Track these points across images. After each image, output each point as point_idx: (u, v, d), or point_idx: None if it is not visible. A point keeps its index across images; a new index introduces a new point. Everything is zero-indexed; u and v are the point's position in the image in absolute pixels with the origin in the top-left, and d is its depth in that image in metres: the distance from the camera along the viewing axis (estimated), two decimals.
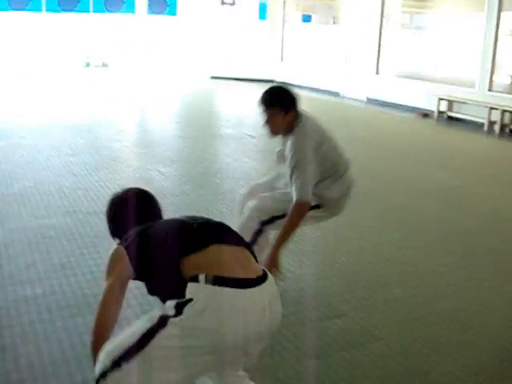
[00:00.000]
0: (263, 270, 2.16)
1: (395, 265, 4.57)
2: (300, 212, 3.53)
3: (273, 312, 2.09)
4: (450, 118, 12.49)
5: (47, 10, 21.11)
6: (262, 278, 2.09)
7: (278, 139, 3.86)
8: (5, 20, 20.52)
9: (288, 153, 3.61)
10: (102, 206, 5.53)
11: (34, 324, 3.40)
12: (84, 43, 21.73)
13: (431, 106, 12.76)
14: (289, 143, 3.63)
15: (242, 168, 7.56)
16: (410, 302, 3.94)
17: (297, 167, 3.52)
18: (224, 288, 1.96)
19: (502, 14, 11.63)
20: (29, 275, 4.01)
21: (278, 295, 2.18)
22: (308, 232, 5.10)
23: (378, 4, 14.58)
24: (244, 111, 12.81)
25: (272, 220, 3.72)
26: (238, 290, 1.98)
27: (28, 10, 20.87)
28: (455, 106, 12.49)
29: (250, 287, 2.01)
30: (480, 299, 4.04)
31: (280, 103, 3.62)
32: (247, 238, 3.57)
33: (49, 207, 5.51)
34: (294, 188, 3.54)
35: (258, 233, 3.75)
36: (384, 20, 14.77)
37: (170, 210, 5.50)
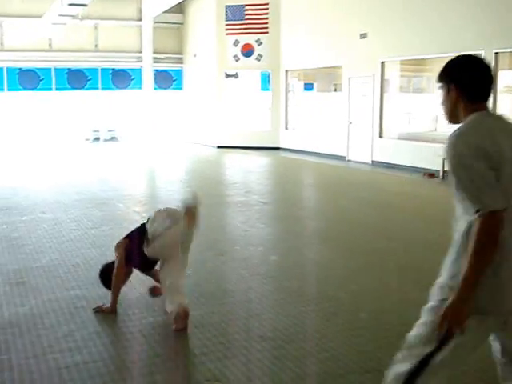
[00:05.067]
0: None
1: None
2: (486, 226, 2.27)
3: None
4: None
5: (57, 89, 21.87)
6: None
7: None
8: (17, 99, 21.31)
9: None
10: (131, 277, 5.74)
11: None
12: (93, 118, 22.43)
13: (436, 165, 13.06)
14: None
15: (259, 234, 7.78)
16: None
17: (456, 173, 2.36)
18: None
19: (499, 72, 12.08)
20: (67, 344, 4.17)
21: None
22: (330, 293, 5.28)
23: (378, 70, 15.12)
24: (251, 179, 13.14)
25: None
26: None
27: (39, 89, 21.63)
28: None
29: None
30: None
31: (441, 74, 2.57)
32: None
33: (77, 279, 5.71)
34: (467, 199, 2.34)
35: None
36: (385, 85, 15.31)
37: (194, 278, 5.72)
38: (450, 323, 2.30)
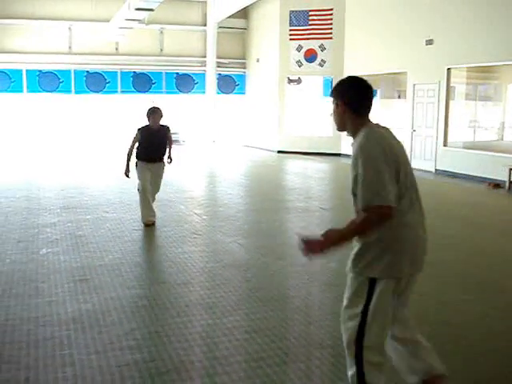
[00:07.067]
0: None
1: (490, 339, 4.57)
2: (367, 219, 2.96)
3: None
4: None
5: (122, 92, 22.35)
6: None
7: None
8: (84, 101, 21.95)
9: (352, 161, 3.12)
10: (190, 277, 5.80)
11: None
12: None
13: (502, 176, 12.69)
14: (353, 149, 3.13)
15: None
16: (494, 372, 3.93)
17: (362, 170, 2.97)
18: None
19: None
20: (128, 342, 4.23)
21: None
22: None
23: (444, 76, 14.81)
24: (312, 184, 13.06)
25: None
26: None
27: (104, 92, 22.16)
28: None
29: None
30: None
31: (332, 91, 3.22)
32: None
33: (139, 278, 5.80)
34: (358, 196, 3.02)
35: None
36: (450, 92, 14.99)
37: (253, 282, 5.72)
38: (311, 250, 3.02)
